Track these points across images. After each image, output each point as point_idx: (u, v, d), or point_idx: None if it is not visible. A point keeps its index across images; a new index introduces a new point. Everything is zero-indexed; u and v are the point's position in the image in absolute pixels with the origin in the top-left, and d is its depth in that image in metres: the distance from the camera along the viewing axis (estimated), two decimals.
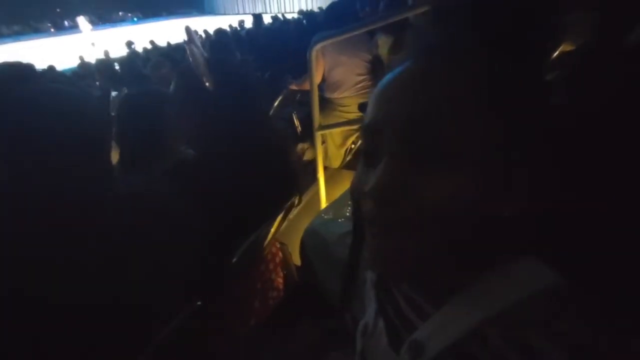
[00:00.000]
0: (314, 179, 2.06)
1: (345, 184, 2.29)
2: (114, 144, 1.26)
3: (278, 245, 1.27)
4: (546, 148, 0.34)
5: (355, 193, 0.39)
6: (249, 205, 1.06)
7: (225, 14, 21.75)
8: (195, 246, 0.91)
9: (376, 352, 0.46)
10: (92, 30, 14.53)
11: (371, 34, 2.55)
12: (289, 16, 10.49)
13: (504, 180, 0.33)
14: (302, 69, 2.78)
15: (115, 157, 1.43)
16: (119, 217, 0.77)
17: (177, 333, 0.77)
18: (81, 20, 14.48)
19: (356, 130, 2.61)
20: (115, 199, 0.80)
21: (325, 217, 1.07)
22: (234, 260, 0.96)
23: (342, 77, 2.42)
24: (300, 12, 10.38)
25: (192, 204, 0.93)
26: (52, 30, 17.64)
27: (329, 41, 1.97)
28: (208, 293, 0.89)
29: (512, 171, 0.33)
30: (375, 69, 2.48)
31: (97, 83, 4.74)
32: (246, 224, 1.08)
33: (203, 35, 9.96)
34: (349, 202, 1.07)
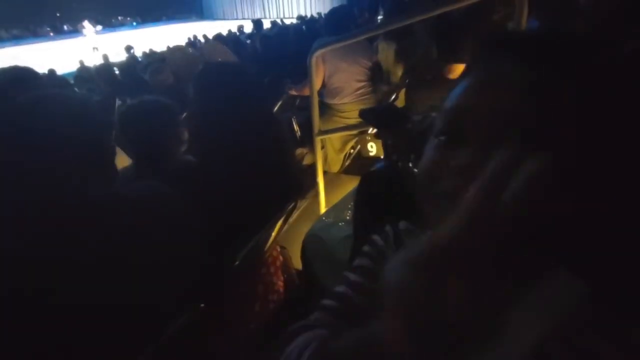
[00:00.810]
0: (313, 183, 2.07)
1: (344, 189, 2.30)
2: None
3: (279, 249, 1.28)
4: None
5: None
6: (250, 208, 1.07)
7: (224, 19, 21.85)
8: (196, 248, 0.92)
9: None
10: (96, 34, 14.55)
11: (371, 40, 2.58)
12: (288, 21, 10.56)
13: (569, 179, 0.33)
14: (302, 74, 2.81)
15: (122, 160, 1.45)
16: (119, 218, 0.78)
17: (179, 334, 0.77)
18: (86, 25, 14.52)
19: (355, 135, 2.63)
20: (116, 200, 0.81)
21: (326, 220, 1.08)
22: (237, 263, 0.97)
23: (342, 83, 2.44)
24: (299, 17, 10.44)
25: (192, 206, 0.94)
26: (52, 34, 17.67)
27: (329, 48, 2.00)
28: (210, 295, 0.90)
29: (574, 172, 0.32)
30: (375, 75, 2.51)
31: (98, 87, 4.76)
32: (247, 227, 1.09)
33: (202, 40, 10.03)
34: (350, 206, 1.08)
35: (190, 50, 4.06)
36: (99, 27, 13.97)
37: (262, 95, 1.29)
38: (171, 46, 4.67)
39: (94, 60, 8.37)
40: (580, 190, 0.32)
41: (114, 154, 0.87)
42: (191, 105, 1.24)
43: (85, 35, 14.41)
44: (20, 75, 1.59)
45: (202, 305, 0.85)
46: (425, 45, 2.53)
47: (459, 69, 1.95)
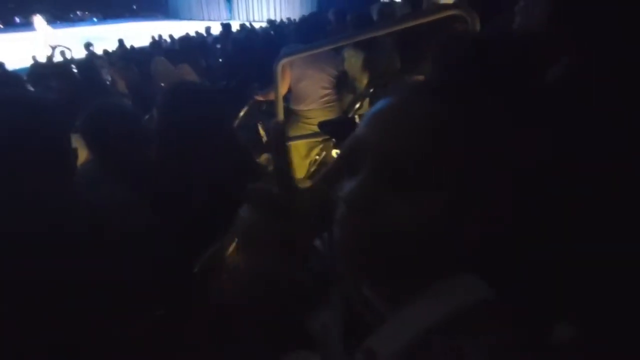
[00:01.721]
0: None
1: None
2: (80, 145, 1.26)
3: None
4: (504, 184, 0.39)
5: (333, 194, 0.43)
6: (209, 215, 1.08)
7: (191, 19, 21.44)
8: (155, 255, 0.91)
9: (333, 357, 0.49)
10: (48, 29, 13.64)
11: (337, 50, 2.64)
12: (257, 25, 10.51)
13: (463, 207, 0.38)
14: (269, 79, 2.82)
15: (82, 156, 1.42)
16: (76, 224, 0.76)
17: (136, 340, 0.77)
18: (37, 19, 13.58)
19: (321, 142, 2.67)
20: (74, 206, 0.79)
21: None
22: (195, 270, 0.97)
23: (308, 89, 2.48)
24: (269, 21, 10.44)
25: (151, 213, 0.94)
26: (1, 26, 16.62)
27: (296, 56, 2.03)
28: (169, 302, 0.90)
29: (471, 201, 0.38)
30: (341, 83, 2.56)
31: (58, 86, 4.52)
32: (207, 234, 1.10)
33: (168, 40, 9.79)
34: None
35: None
36: (44, 23, 13.15)
37: (221, 117, 1.31)
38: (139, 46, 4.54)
39: (51, 57, 7.96)
40: (479, 219, 0.38)
41: (74, 156, 0.85)
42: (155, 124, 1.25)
43: (36, 30, 13.53)
44: None
45: (163, 313, 0.84)
46: (390, 56, 2.62)
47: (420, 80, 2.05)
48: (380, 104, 0.42)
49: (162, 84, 3.32)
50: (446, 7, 2.26)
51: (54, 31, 13.26)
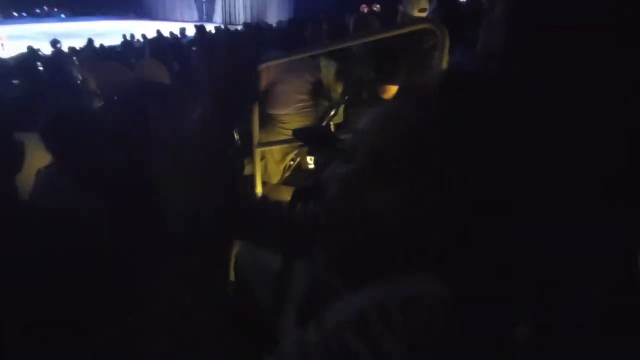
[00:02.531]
0: (252, 193, 2.09)
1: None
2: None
3: None
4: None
5: (327, 176, 0.49)
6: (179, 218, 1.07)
7: (165, 20, 21.06)
8: (121, 257, 0.90)
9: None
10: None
11: (313, 57, 2.67)
12: (232, 28, 10.46)
13: (430, 205, 0.42)
14: None
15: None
16: (33, 231, 0.74)
17: (105, 347, 0.76)
18: None
19: (296, 147, 2.69)
20: (32, 213, 0.77)
21: None
22: (164, 272, 0.96)
23: (285, 95, 2.51)
24: (246, 25, 10.39)
25: (117, 215, 0.93)
26: None
27: (273, 63, 2.05)
28: (137, 306, 0.89)
29: (441, 204, 0.42)
30: (317, 91, 2.60)
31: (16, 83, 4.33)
32: (176, 237, 1.09)
33: (141, 40, 9.57)
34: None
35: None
36: None
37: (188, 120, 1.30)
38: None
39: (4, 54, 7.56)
40: (442, 217, 0.43)
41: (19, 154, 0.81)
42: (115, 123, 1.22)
43: None
44: None
45: (132, 318, 0.83)
46: (364, 66, 2.68)
47: (392, 90, 2.11)
48: (380, 109, 0.48)
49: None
50: (419, 21, 2.35)
51: (3, 28, 12.47)
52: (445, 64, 1.45)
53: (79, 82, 3.47)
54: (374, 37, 1.62)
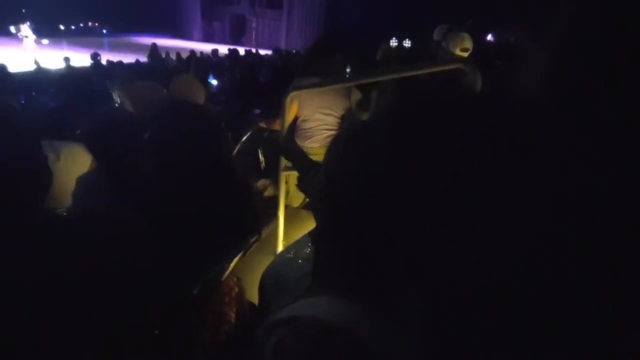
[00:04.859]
0: (273, 215, 2.11)
1: (303, 224, 2.35)
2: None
3: (235, 280, 1.30)
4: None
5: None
6: (208, 238, 1.09)
7: (200, 40, 21.92)
8: (153, 274, 0.92)
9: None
10: (35, 41, 13.33)
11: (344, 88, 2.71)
12: (263, 52, 10.80)
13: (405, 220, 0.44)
14: (271, 107, 2.89)
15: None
16: (67, 240, 0.75)
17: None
18: (24, 28, 13.25)
19: None
20: (67, 222, 0.79)
21: (287, 256, 1.12)
22: (194, 292, 0.98)
23: (314, 130, 2.57)
24: (276, 50, 10.72)
25: (150, 232, 0.95)
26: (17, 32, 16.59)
27: (305, 90, 2.10)
28: (165, 322, 0.90)
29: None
30: (344, 121, 2.65)
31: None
32: (203, 257, 1.11)
33: (174, 58, 9.98)
34: (309, 244, 1.14)
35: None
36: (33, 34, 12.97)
37: (218, 143, 1.33)
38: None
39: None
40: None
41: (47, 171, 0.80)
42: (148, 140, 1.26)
43: (22, 38, 13.21)
44: None
45: (157, 332, 0.85)
46: (390, 96, 2.72)
47: None
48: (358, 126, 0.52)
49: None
50: (453, 60, 2.39)
51: (39, 40, 13.17)
52: None
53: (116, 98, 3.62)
54: (408, 72, 1.65)
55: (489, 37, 7.39)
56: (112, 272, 0.79)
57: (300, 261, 1.04)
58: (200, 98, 2.11)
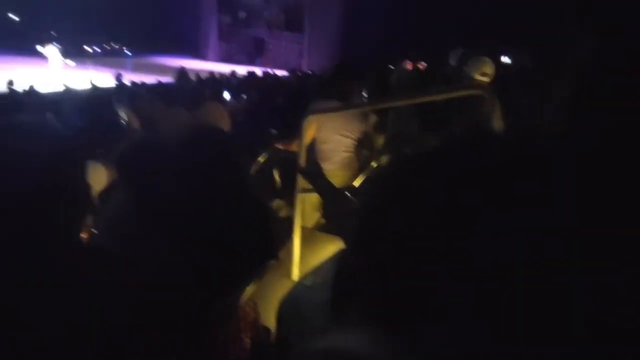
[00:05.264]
0: (288, 236, 2.11)
1: (318, 246, 2.34)
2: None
3: (251, 305, 1.29)
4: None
5: None
6: (226, 262, 1.10)
7: (219, 61, 22.48)
8: (175, 300, 0.92)
9: None
10: (63, 61, 13.81)
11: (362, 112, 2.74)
12: (279, 73, 11.02)
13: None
14: (287, 127, 2.91)
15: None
16: (94, 269, 0.76)
17: None
18: (50, 48, 13.71)
19: None
20: (92, 250, 0.80)
21: (306, 283, 1.11)
22: (211, 317, 0.98)
23: (330, 152, 2.59)
24: (291, 70, 10.92)
25: (177, 259, 0.96)
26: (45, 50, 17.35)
27: (323, 114, 2.13)
28: (181, 348, 0.90)
29: None
30: (361, 143, 2.66)
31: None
32: (221, 281, 1.11)
33: (194, 79, 10.26)
34: (328, 270, 1.13)
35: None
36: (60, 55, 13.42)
37: (240, 169, 1.36)
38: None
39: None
40: None
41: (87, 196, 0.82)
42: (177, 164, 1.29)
43: (48, 58, 13.69)
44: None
45: (174, 358, 0.84)
46: (407, 121, 2.73)
47: None
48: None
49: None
50: (471, 85, 2.39)
51: (65, 61, 13.67)
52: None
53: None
54: (426, 98, 1.66)
55: (505, 59, 7.38)
56: (136, 298, 0.79)
57: (319, 290, 1.03)
58: (226, 125, 2.17)
